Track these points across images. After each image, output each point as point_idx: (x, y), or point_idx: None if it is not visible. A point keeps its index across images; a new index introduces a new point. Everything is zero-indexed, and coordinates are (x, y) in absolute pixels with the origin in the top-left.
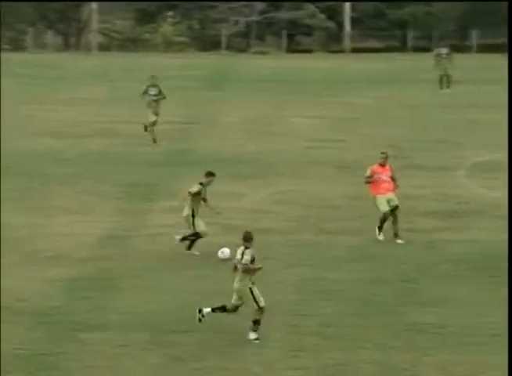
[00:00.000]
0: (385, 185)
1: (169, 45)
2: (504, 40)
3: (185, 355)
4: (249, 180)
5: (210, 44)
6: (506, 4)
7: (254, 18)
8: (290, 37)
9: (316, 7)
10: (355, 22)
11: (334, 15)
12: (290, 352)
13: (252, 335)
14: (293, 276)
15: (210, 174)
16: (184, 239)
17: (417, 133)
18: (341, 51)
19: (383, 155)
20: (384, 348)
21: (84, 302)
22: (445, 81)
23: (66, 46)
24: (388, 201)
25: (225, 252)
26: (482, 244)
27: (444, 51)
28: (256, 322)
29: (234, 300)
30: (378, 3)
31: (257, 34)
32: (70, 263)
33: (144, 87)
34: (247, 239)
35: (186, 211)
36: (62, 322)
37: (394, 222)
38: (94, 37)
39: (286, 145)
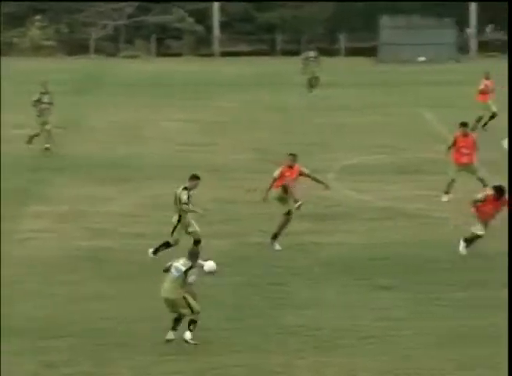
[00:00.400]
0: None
1: (37, 49)
2: (372, 43)
3: (57, 360)
4: (120, 184)
5: (78, 48)
6: (371, 6)
7: (123, 22)
8: (160, 40)
9: (185, 11)
10: (224, 26)
11: (203, 19)
12: (165, 356)
13: (188, 335)
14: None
15: (194, 177)
16: (156, 251)
17: (287, 136)
18: (211, 54)
19: (290, 157)
20: (257, 352)
21: None
22: (313, 83)
23: None
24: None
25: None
26: (352, 246)
27: (312, 54)
28: (192, 321)
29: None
30: (247, 7)
31: (126, 37)
32: None
33: (37, 95)
34: (191, 255)
35: (174, 218)
36: None
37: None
38: None
39: (156, 149)
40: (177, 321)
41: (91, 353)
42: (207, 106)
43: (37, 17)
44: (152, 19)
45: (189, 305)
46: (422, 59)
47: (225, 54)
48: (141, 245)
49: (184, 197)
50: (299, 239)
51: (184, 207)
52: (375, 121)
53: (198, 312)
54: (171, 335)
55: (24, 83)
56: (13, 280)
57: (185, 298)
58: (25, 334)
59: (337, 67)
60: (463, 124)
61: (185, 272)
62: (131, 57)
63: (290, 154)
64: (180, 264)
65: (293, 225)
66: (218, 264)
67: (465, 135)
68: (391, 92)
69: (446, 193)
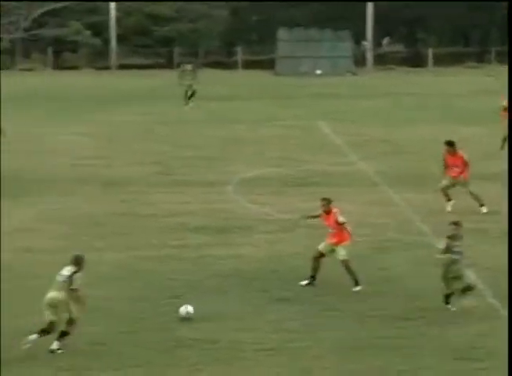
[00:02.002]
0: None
1: None
2: (269, 56)
3: None
4: (15, 198)
5: None
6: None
7: (19, 35)
8: (57, 53)
9: (82, 23)
10: (120, 39)
11: (100, 31)
12: (62, 371)
13: (55, 345)
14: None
15: None
16: None
17: (184, 149)
18: (107, 68)
19: (324, 202)
20: (154, 366)
21: None
22: (189, 96)
23: None
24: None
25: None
26: (250, 259)
27: (188, 67)
28: (64, 333)
29: (48, 315)
30: (144, 20)
31: (22, 51)
32: None
33: None
34: (76, 262)
35: None
36: None
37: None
38: None
39: (51, 162)
40: (44, 332)
41: None
42: (104, 119)
43: None
44: (48, 32)
45: (69, 312)
46: (319, 72)
47: (122, 67)
48: (34, 260)
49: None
50: (197, 252)
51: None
52: (273, 134)
53: (74, 322)
54: (54, 346)
55: None
56: None
57: (67, 304)
58: None
59: (235, 80)
60: (449, 143)
61: (70, 277)
62: (28, 70)
63: (324, 199)
64: (65, 270)
65: (190, 238)
66: (114, 277)
67: (452, 153)
68: (289, 104)
69: (448, 200)
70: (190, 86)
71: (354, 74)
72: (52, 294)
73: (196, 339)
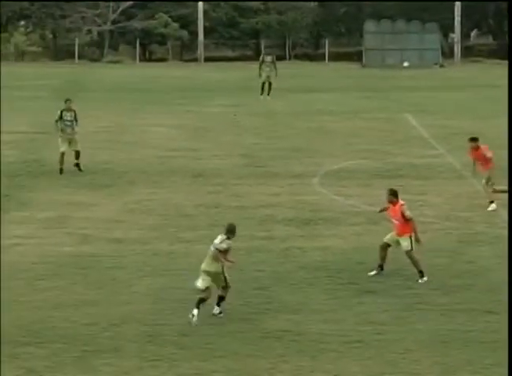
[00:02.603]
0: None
1: (21, 55)
2: (356, 49)
3: (39, 367)
4: (102, 190)
5: (63, 53)
6: (356, 11)
7: (107, 27)
8: (144, 46)
9: (169, 16)
10: (208, 31)
11: (187, 24)
12: (147, 362)
13: (216, 310)
14: (149, 286)
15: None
16: None
17: (272, 141)
18: (195, 60)
19: (390, 193)
20: (240, 357)
21: None
22: (266, 88)
23: None
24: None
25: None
26: (337, 251)
27: (268, 59)
28: (221, 298)
29: (201, 283)
30: (231, 12)
31: (110, 43)
32: None
33: (58, 112)
34: (230, 231)
35: None
36: None
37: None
38: None
39: (140, 154)
40: (202, 301)
41: (74, 360)
42: (191, 111)
43: (21, 23)
44: (136, 24)
45: (225, 280)
46: (406, 64)
47: (209, 59)
48: (124, 250)
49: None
50: (283, 244)
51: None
52: (360, 126)
53: (229, 288)
54: (195, 313)
55: (6, 88)
56: (9, 286)
57: (222, 272)
58: (4, 340)
59: (322, 72)
60: (472, 139)
61: (220, 244)
62: (115, 62)
63: (390, 190)
64: (217, 239)
65: (278, 230)
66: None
67: (475, 149)
68: (376, 96)
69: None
70: (268, 78)
71: (441, 66)
72: (206, 264)
73: (283, 330)
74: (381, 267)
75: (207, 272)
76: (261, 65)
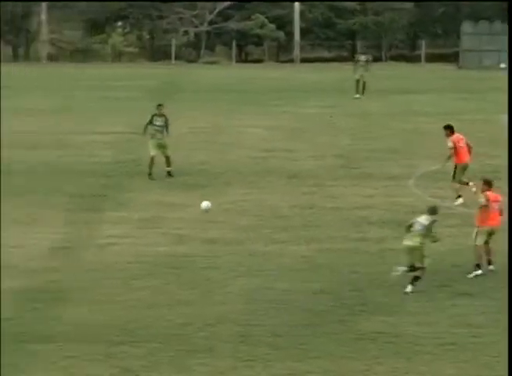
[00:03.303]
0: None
1: (118, 56)
2: (453, 50)
3: (135, 366)
4: (198, 190)
5: (159, 54)
6: (452, 12)
7: (204, 28)
8: (240, 47)
9: (266, 17)
10: (304, 32)
11: (284, 25)
12: (242, 362)
13: (409, 288)
14: (243, 286)
15: None
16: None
17: (367, 142)
18: (291, 61)
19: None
20: (334, 358)
21: (32, 314)
22: (360, 87)
23: (15, 57)
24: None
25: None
26: (432, 253)
27: (362, 58)
28: (416, 278)
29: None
30: (327, 13)
31: (206, 44)
32: (19, 274)
33: (149, 117)
34: (433, 212)
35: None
36: (10, 333)
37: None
38: (43, 48)
39: (235, 155)
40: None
41: (170, 359)
42: (287, 112)
43: (119, 24)
44: (233, 25)
45: (422, 258)
46: (503, 65)
47: (305, 60)
48: (218, 251)
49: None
50: (378, 245)
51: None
52: (456, 127)
53: (424, 268)
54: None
55: (102, 89)
56: (91, 285)
57: (422, 248)
58: (102, 339)
59: (418, 73)
60: (444, 127)
61: (429, 225)
62: (212, 63)
63: (484, 180)
64: (423, 219)
65: (372, 232)
66: (296, 270)
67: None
68: (473, 98)
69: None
70: (362, 77)
71: None
72: (408, 242)
73: (377, 332)
74: (478, 266)
75: (408, 248)
76: (355, 64)
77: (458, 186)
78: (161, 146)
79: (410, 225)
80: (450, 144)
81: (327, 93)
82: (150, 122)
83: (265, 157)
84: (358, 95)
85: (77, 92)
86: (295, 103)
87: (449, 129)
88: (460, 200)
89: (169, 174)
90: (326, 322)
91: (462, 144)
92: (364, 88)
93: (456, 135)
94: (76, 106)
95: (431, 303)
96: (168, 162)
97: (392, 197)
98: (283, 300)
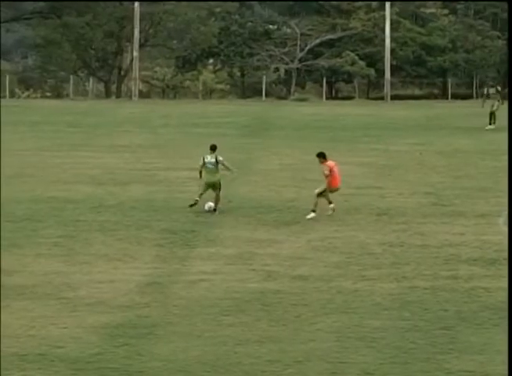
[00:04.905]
0: None
1: (209, 92)
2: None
3: None
4: (288, 227)
5: (250, 91)
6: None
7: (294, 66)
8: (330, 84)
9: (356, 54)
10: (394, 69)
11: (374, 62)
12: None
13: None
14: (333, 323)
15: None
16: None
17: (457, 180)
18: (381, 98)
19: None
20: None
21: (122, 349)
22: (493, 118)
23: (108, 94)
24: None
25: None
26: None
27: (491, 91)
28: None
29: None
30: (419, 50)
31: (297, 81)
32: (110, 310)
33: (202, 158)
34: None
35: None
36: (100, 369)
37: None
38: (135, 85)
39: None
40: None
41: None
42: (377, 149)
43: (210, 61)
44: (323, 62)
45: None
46: None
47: (395, 97)
48: (308, 288)
49: None
50: (468, 283)
51: None
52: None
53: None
54: None
55: (193, 126)
56: (181, 320)
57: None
58: (190, 375)
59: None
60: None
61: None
62: (302, 100)
63: None
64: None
65: (462, 270)
66: (386, 307)
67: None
68: None
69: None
70: (492, 107)
71: None
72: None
73: (467, 371)
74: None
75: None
76: (484, 98)
77: (316, 200)
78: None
79: None
80: (326, 172)
81: (417, 130)
82: (203, 164)
83: (354, 194)
84: (491, 126)
85: (169, 129)
86: (385, 140)
87: (321, 156)
88: (312, 215)
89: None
90: (416, 360)
91: (336, 170)
92: (494, 118)
93: (330, 162)
94: (168, 142)
95: None
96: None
97: (482, 235)
98: (373, 338)
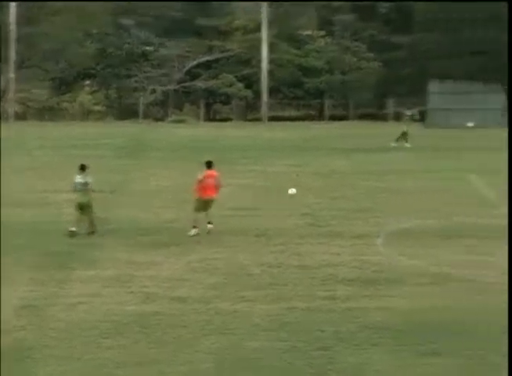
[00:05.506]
0: None
1: (87, 114)
2: (420, 109)
3: None
4: (166, 248)
5: (127, 112)
6: (419, 72)
7: (172, 87)
8: (208, 105)
9: (234, 76)
10: (272, 91)
11: (252, 83)
12: None
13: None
14: (211, 345)
15: None
16: None
17: (333, 201)
18: (259, 119)
19: None
20: None
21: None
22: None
23: None
24: None
25: None
26: (400, 312)
27: (407, 113)
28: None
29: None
30: (296, 72)
31: (174, 102)
32: None
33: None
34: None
35: None
36: None
37: None
38: (11, 107)
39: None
40: None
41: None
42: (254, 170)
43: (87, 82)
44: (200, 84)
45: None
46: (471, 124)
47: (273, 119)
48: (186, 309)
49: None
50: (345, 303)
51: None
52: (423, 186)
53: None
54: None
55: (71, 147)
56: (59, 343)
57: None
58: None
59: (386, 132)
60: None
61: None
62: (179, 122)
63: None
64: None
65: (340, 290)
66: (264, 329)
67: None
68: (440, 156)
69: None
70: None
71: (505, 126)
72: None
73: None
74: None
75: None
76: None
77: (195, 216)
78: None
79: None
80: (200, 176)
81: (294, 151)
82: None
83: (233, 216)
84: (406, 144)
85: (45, 151)
86: (262, 162)
87: (206, 164)
88: (194, 231)
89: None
90: None
91: (211, 180)
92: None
93: (212, 171)
94: (44, 164)
95: (400, 362)
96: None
97: (360, 256)
98: (251, 358)
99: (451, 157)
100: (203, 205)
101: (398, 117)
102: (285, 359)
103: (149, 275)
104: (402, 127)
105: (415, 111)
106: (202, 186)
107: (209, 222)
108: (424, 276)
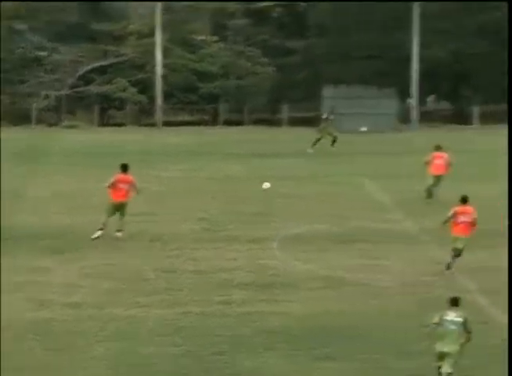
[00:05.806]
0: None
1: None
2: (314, 113)
3: None
4: (61, 254)
5: (20, 118)
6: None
7: (65, 92)
8: (103, 110)
9: (128, 81)
10: (166, 95)
11: (146, 88)
12: None
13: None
14: (106, 351)
15: None
16: None
17: (229, 206)
18: (153, 124)
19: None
20: None
21: None
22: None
23: None
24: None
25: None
26: (295, 316)
27: (324, 116)
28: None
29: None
30: (190, 76)
31: (68, 108)
32: None
33: None
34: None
35: None
36: None
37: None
38: None
39: (97, 218)
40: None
41: None
42: (149, 175)
43: None
44: (94, 89)
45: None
46: (364, 129)
47: (167, 123)
48: (81, 315)
49: None
50: (241, 308)
51: None
52: (318, 191)
53: None
54: None
55: None
56: None
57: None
58: None
59: (280, 137)
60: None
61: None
62: (73, 127)
63: None
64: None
65: (235, 294)
66: (159, 334)
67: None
68: (334, 161)
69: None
70: (319, 133)
71: (399, 131)
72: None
73: None
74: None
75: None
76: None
77: (105, 219)
78: None
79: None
80: (107, 183)
81: (188, 156)
82: None
83: (128, 221)
84: (309, 150)
85: None
86: (156, 167)
87: (121, 167)
88: (99, 233)
89: None
90: None
91: (122, 185)
92: (317, 142)
93: (123, 175)
94: None
95: (295, 366)
96: None
97: (256, 260)
98: (146, 364)
99: (345, 162)
100: (114, 209)
101: (292, 123)
102: (180, 363)
103: (44, 281)
104: (319, 131)
105: (329, 115)
106: (114, 189)
107: (118, 230)
108: (319, 280)
